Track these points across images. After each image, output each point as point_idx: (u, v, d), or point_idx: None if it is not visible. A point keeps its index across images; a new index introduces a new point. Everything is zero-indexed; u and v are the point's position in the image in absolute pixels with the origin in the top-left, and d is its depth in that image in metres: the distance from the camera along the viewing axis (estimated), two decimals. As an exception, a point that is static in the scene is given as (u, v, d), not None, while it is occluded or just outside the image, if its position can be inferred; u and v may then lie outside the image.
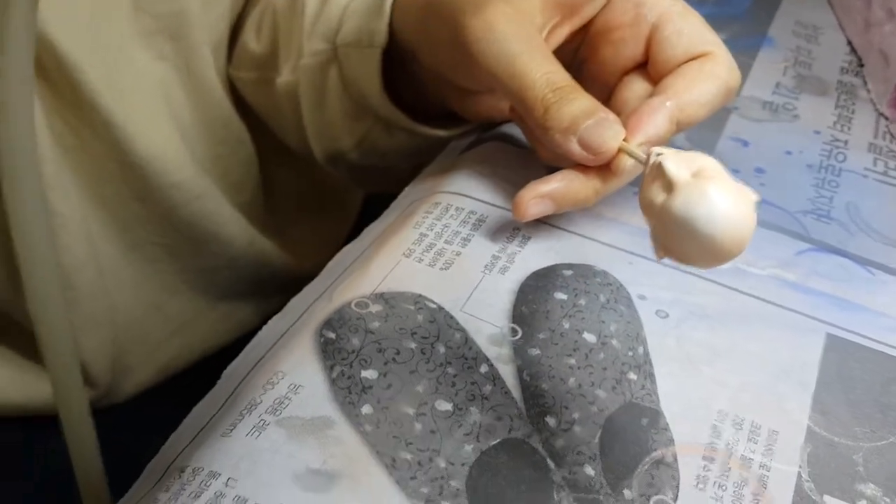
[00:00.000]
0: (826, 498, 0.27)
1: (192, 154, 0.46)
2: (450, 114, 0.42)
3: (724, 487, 0.27)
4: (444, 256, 0.33)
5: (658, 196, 0.24)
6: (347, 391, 0.28)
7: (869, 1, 0.51)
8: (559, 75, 0.32)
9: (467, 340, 0.30)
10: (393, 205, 0.38)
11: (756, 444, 0.28)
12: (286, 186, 0.57)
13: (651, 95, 0.33)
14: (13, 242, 0.42)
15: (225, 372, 0.30)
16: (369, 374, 0.28)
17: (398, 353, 0.29)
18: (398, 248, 0.33)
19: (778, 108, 0.46)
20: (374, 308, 0.31)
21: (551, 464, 0.27)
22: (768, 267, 0.35)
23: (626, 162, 0.31)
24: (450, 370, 0.29)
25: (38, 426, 0.48)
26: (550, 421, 0.28)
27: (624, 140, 0.31)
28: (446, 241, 0.34)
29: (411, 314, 0.31)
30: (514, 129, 0.41)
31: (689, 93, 0.33)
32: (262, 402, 0.27)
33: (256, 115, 0.50)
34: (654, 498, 0.26)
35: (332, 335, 0.30)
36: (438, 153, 0.42)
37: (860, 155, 0.43)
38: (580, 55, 0.37)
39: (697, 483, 0.27)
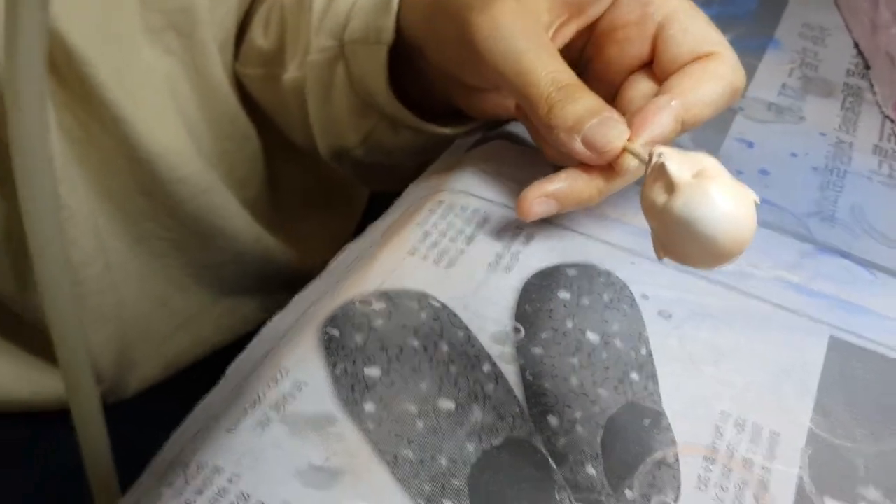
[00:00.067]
0: (827, 500, 0.27)
1: (199, 149, 0.46)
2: (455, 111, 0.42)
3: (725, 489, 0.27)
4: (448, 254, 0.33)
5: (659, 196, 0.24)
6: (350, 388, 0.28)
7: (876, 3, 0.51)
8: (564, 74, 0.32)
9: (470, 339, 0.30)
10: (397, 202, 0.39)
11: (758, 445, 0.28)
12: (292, 183, 0.58)
13: (656, 95, 0.33)
14: (19, 240, 0.42)
15: (229, 368, 0.30)
16: (372, 371, 0.29)
17: (401, 350, 0.29)
18: (402, 245, 0.34)
19: (783, 110, 0.46)
20: (378, 305, 0.31)
21: (553, 463, 0.27)
22: (772, 268, 0.35)
23: (630, 161, 0.31)
24: (452, 369, 0.29)
25: (44, 421, 0.48)
26: (552, 420, 0.28)
27: (629, 139, 0.31)
28: (450, 240, 0.34)
29: (415, 312, 0.31)
30: (519, 128, 0.41)
31: (694, 92, 0.33)
32: (265, 398, 0.28)
33: (263, 112, 0.51)
34: (656, 498, 0.27)
35: (335, 332, 0.30)
36: (444, 151, 0.42)
37: (865, 157, 0.43)
38: (586, 54, 0.38)
39: (699, 484, 0.27)
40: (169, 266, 0.50)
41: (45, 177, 0.30)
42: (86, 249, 0.43)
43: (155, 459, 0.28)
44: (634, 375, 0.30)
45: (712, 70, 0.33)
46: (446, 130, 0.42)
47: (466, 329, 0.30)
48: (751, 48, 0.51)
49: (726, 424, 0.29)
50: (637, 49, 0.35)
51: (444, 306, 0.31)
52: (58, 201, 0.32)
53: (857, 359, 0.32)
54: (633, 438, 0.28)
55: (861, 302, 0.34)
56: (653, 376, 0.30)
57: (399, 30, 0.40)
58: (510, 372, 0.29)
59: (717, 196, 0.23)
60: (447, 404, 0.28)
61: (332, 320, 0.30)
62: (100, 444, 0.37)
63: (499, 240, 0.34)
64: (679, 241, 0.24)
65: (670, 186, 0.24)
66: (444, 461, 0.26)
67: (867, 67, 0.51)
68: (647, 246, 0.34)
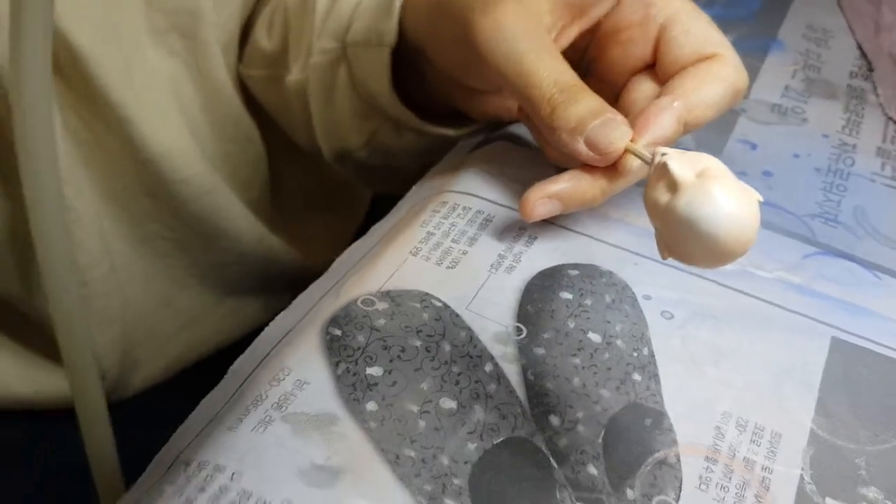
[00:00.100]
0: (828, 501, 0.27)
1: (203, 150, 0.47)
2: (458, 113, 0.42)
3: (726, 489, 0.27)
4: (450, 255, 0.33)
5: (662, 196, 0.24)
6: (352, 388, 0.28)
7: (880, 5, 0.51)
8: (567, 75, 0.32)
9: (472, 339, 0.30)
10: (400, 203, 0.39)
11: (759, 446, 0.28)
12: (295, 184, 0.58)
13: (658, 96, 0.33)
14: (24, 240, 0.42)
15: (232, 367, 0.30)
16: (374, 371, 0.29)
17: (403, 350, 0.29)
18: (405, 246, 0.34)
19: (786, 112, 0.46)
20: (381, 306, 0.31)
21: (554, 463, 0.27)
22: (775, 270, 0.35)
23: (633, 162, 0.31)
24: (454, 368, 0.29)
25: (45, 420, 0.48)
26: (554, 420, 0.28)
27: (631, 140, 0.31)
28: (453, 240, 0.34)
29: (417, 312, 0.31)
30: (521, 129, 0.41)
31: (696, 93, 0.33)
32: (267, 397, 0.28)
33: (266, 113, 0.51)
34: (657, 498, 0.27)
35: (338, 332, 0.30)
36: (446, 153, 0.42)
37: (868, 159, 0.43)
38: (589, 55, 0.38)
39: (700, 484, 0.27)
40: (173, 266, 0.50)
41: (51, 177, 0.30)
42: (91, 251, 0.43)
43: (157, 457, 0.28)
44: (636, 376, 0.30)
45: (714, 71, 0.33)
46: (449, 132, 0.42)
47: (468, 329, 0.31)
48: (754, 49, 0.51)
49: (728, 425, 0.29)
50: (639, 50, 0.35)
51: (446, 306, 0.31)
52: (63, 201, 0.32)
53: (860, 360, 0.32)
54: (635, 438, 0.28)
55: (864, 303, 0.34)
56: (655, 376, 0.30)
57: (401, 32, 0.40)
58: (512, 372, 0.29)
59: (720, 195, 0.23)
60: (449, 404, 0.28)
61: (335, 320, 0.30)
62: (105, 442, 0.37)
63: (501, 241, 0.34)
64: (682, 240, 0.24)
65: (673, 186, 0.24)
66: (445, 460, 0.26)
67: (870, 69, 0.51)
68: (650, 247, 0.34)
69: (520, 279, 0.33)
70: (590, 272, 0.34)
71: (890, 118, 0.47)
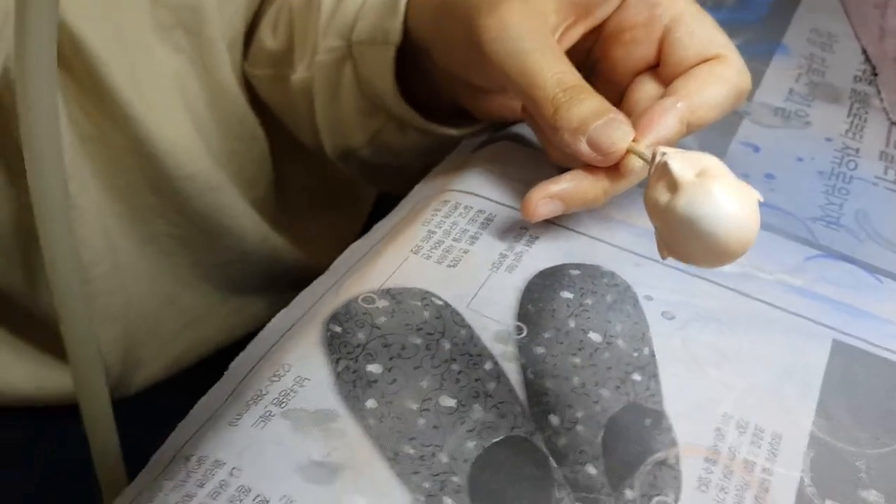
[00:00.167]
0: (828, 503, 0.27)
1: (208, 147, 0.47)
2: (462, 112, 0.42)
3: (726, 490, 0.27)
4: (451, 254, 0.33)
5: (662, 196, 0.24)
6: (352, 385, 0.28)
7: (884, 10, 0.51)
8: (570, 75, 0.32)
9: (473, 337, 0.30)
10: (403, 202, 0.39)
11: (759, 447, 0.28)
12: (299, 183, 0.58)
13: (662, 97, 0.33)
14: (28, 232, 0.42)
15: (232, 363, 0.30)
16: (374, 368, 0.29)
17: (403, 348, 0.29)
18: (406, 244, 0.34)
19: (790, 115, 0.46)
20: (381, 303, 0.31)
21: (553, 462, 0.27)
22: (776, 272, 0.35)
23: (635, 163, 0.31)
24: (454, 367, 0.29)
25: (47, 418, 0.48)
26: (553, 419, 0.28)
27: (633, 141, 0.31)
28: (454, 239, 0.34)
29: (417, 310, 0.31)
30: (525, 130, 0.41)
31: (699, 95, 0.33)
32: (268, 393, 0.28)
33: (271, 112, 0.51)
34: (656, 499, 0.26)
35: (338, 329, 0.30)
36: (450, 152, 0.42)
37: (871, 163, 0.43)
38: (593, 55, 0.38)
39: (699, 485, 0.27)
40: (177, 265, 0.50)
41: (55, 168, 0.30)
42: (95, 249, 0.43)
43: (158, 453, 0.28)
44: (636, 376, 0.30)
45: (718, 73, 0.33)
46: (453, 131, 0.42)
47: (469, 327, 0.31)
48: (759, 53, 0.51)
49: (728, 426, 0.29)
50: (643, 51, 0.35)
51: (446, 304, 0.31)
52: (66, 193, 0.32)
53: (861, 363, 0.32)
54: (635, 438, 0.28)
55: (865, 306, 0.34)
56: (655, 377, 0.30)
57: (406, 31, 0.40)
58: (512, 370, 0.29)
59: (720, 195, 0.23)
60: (448, 402, 0.28)
61: (336, 317, 0.30)
62: (108, 435, 0.37)
63: (503, 240, 0.34)
64: (682, 239, 0.24)
65: (673, 185, 0.24)
66: (444, 458, 0.26)
67: (875, 74, 0.51)
68: (652, 248, 0.34)
69: (521, 278, 0.33)
70: (591, 272, 0.34)
71: (893, 122, 0.47)
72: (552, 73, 0.32)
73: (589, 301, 0.32)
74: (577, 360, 0.30)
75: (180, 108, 0.45)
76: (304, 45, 0.46)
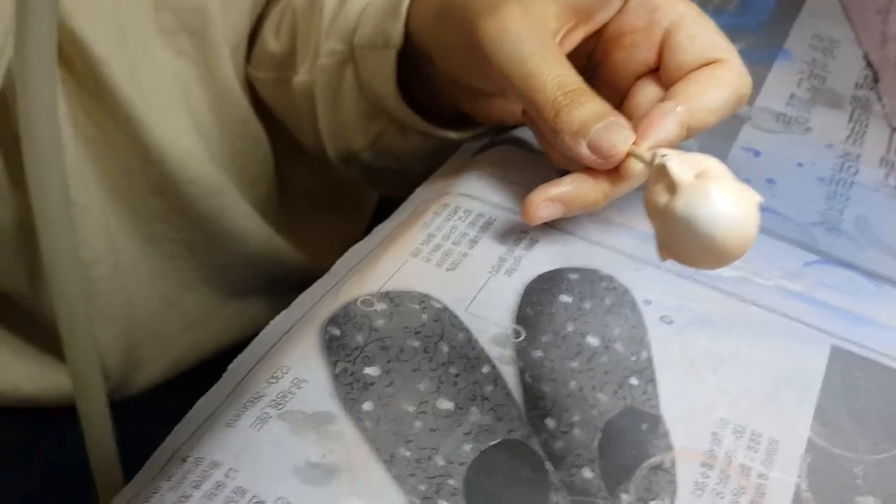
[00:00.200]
0: (824, 508, 0.27)
1: (210, 150, 0.47)
2: (463, 116, 0.42)
3: (721, 495, 0.27)
4: (451, 257, 0.33)
5: (661, 197, 0.24)
6: (350, 387, 0.28)
7: (886, 16, 0.51)
8: (570, 78, 0.32)
9: (470, 340, 0.30)
10: (403, 205, 0.39)
11: (756, 452, 0.28)
12: (301, 185, 0.58)
13: (662, 100, 0.33)
14: (29, 230, 0.42)
15: (231, 364, 0.30)
16: (372, 371, 0.29)
17: (401, 351, 0.29)
18: (406, 247, 0.34)
19: (791, 120, 0.46)
20: (380, 306, 0.31)
21: (549, 465, 0.27)
22: (775, 277, 0.35)
23: (636, 166, 0.31)
24: (452, 370, 0.29)
25: (46, 418, 0.48)
26: (550, 423, 0.28)
27: (634, 144, 0.31)
28: (454, 242, 0.34)
29: (416, 313, 0.31)
30: (526, 133, 0.41)
31: (699, 98, 0.33)
32: (265, 395, 0.28)
33: (273, 115, 0.51)
34: (651, 503, 0.26)
35: (336, 332, 0.30)
36: (451, 156, 0.42)
37: (872, 169, 0.43)
38: (594, 59, 0.38)
39: (695, 489, 0.27)
40: (179, 267, 0.50)
41: (55, 166, 0.30)
42: (96, 248, 0.43)
43: (156, 453, 0.28)
44: (634, 380, 0.30)
45: (718, 76, 0.33)
46: (454, 135, 0.43)
47: (467, 331, 0.31)
48: (761, 58, 0.51)
49: (725, 431, 0.29)
50: (644, 55, 0.35)
51: (445, 308, 0.31)
52: (67, 192, 0.32)
53: (859, 369, 0.32)
54: (631, 443, 0.28)
55: (864, 312, 0.34)
56: (652, 381, 0.30)
57: (408, 35, 0.40)
58: (509, 374, 0.29)
59: (718, 196, 0.23)
60: (446, 404, 0.28)
61: (334, 320, 0.30)
62: (105, 437, 0.37)
63: (502, 243, 0.34)
64: (680, 241, 0.24)
65: (672, 187, 0.24)
66: (440, 461, 0.27)
67: (876, 79, 0.51)
68: (651, 251, 0.34)
69: (520, 282, 0.33)
70: (590, 276, 0.34)
71: (895, 128, 0.47)
72: (553, 76, 0.32)
73: (587, 305, 0.32)
74: (574, 363, 0.30)
75: (182, 111, 0.45)
76: (307, 48, 0.46)
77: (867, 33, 0.54)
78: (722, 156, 0.42)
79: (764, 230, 0.37)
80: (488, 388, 0.29)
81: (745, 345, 0.32)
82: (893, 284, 0.36)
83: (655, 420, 0.29)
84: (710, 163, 0.24)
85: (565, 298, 0.32)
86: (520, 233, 0.35)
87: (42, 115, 0.28)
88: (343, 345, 0.29)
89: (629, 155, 0.31)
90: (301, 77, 0.46)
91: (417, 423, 0.27)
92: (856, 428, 0.30)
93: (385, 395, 0.28)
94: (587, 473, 0.27)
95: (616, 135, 0.31)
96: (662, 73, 0.35)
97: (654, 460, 0.28)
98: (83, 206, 0.42)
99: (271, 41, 0.48)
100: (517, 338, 0.31)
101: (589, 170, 0.33)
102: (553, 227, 0.35)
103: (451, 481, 0.26)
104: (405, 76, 0.41)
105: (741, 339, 0.32)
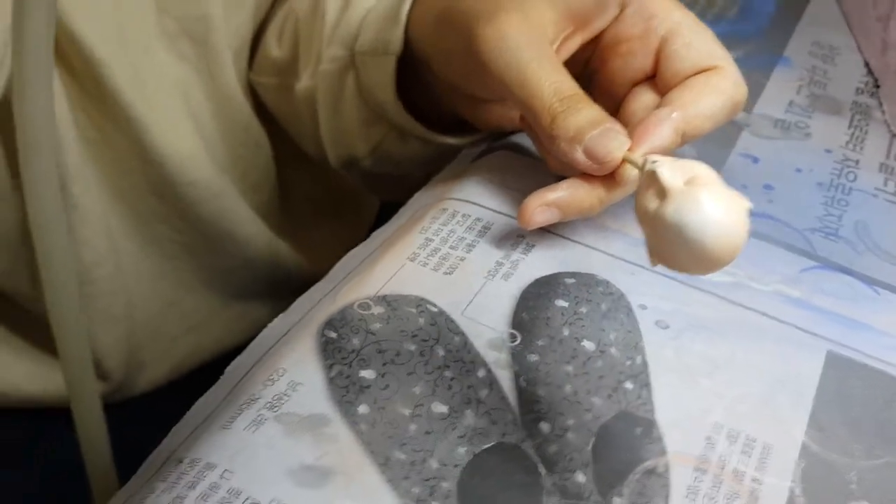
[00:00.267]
0: (818, 513, 0.27)
1: (212, 154, 0.47)
2: (462, 122, 0.42)
3: (714, 500, 0.27)
4: (448, 261, 0.34)
5: (651, 203, 0.24)
6: (345, 390, 0.28)
7: (887, 23, 0.51)
8: (567, 85, 0.33)
9: (466, 344, 0.30)
10: (402, 210, 0.39)
11: (749, 457, 0.28)
12: (303, 190, 0.58)
13: (657, 107, 0.34)
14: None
15: (229, 367, 0.31)
16: (367, 374, 0.29)
17: (398, 354, 0.30)
18: (403, 251, 0.34)
19: (790, 127, 0.46)
20: (376, 310, 0.31)
21: (542, 469, 0.27)
22: (772, 282, 0.35)
23: (631, 172, 0.32)
24: (447, 373, 0.29)
25: (46, 419, 0.49)
26: (544, 427, 0.28)
27: (629, 150, 0.32)
28: (451, 247, 0.34)
29: (412, 317, 0.31)
30: (524, 139, 0.41)
31: (695, 105, 0.33)
32: (261, 397, 0.28)
33: (275, 121, 0.51)
34: (645, 507, 0.27)
35: (333, 335, 0.30)
36: (450, 161, 0.43)
37: (871, 175, 0.43)
38: (590, 66, 0.38)
39: (688, 494, 0.27)
40: (180, 269, 0.51)
41: (49, 164, 0.30)
42: (98, 250, 0.44)
43: (152, 454, 0.28)
44: (629, 384, 0.30)
45: (714, 84, 0.34)
46: (453, 141, 0.43)
47: (463, 335, 0.31)
48: (760, 65, 0.51)
49: (719, 435, 0.29)
50: (640, 62, 0.36)
51: (441, 312, 0.31)
52: (59, 196, 0.32)
53: (856, 374, 0.32)
54: (624, 447, 0.28)
55: (862, 318, 0.34)
56: (647, 386, 0.30)
57: (407, 42, 0.40)
58: (504, 378, 0.30)
59: (708, 202, 0.23)
60: (440, 408, 0.28)
61: (331, 323, 0.30)
62: (99, 440, 0.38)
63: (499, 248, 0.35)
64: (670, 246, 0.24)
65: (662, 193, 0.24)
66: (434, 464, 0.27)
67: (877, 86, 0.51)
68: (647, 257, 0.34)
69: (516, 286, 0.33)
70: (586, 281, 0.34)
71: (895, 134, 0.47)
72: (549, 82, 0.33)
73: (583, 309, 0.32)
74: (569, 368, 0.30)
75: (184, 115, 0.45)
76: (309, 55, 0.46)
77: (868, 41, 0.54)
78: (720, 162, 0.42)
79: (762, 236, 0.38)
80: (483, 392, 0.29)
81: (741, 350, 0.32)
82: (892, 290, 0.36)
83: (650, 424, 0.29)
84: (700, 169, 0.25)
85: (561, 303, 0.33)
86: (517, 237, 0.35)
87: (38, 117, 0.29)
88: (339, 348, 0.30)
89: (624, 161, 0.31)
90: (303, 83, 0.46)
91: (412, 426, 0.28)
92: (850, 433, 0.30)
93: (380, 399, 0.28)
94: (580, 477, 0.27)
95: (611, 141, 0.31)
96: (659, 80, 0.35)
97: (647, 464, 0.28)
98: (84, 209, 0.42)
99: (274, 47, 0.48)
100: (513, 342, 0.31)
101: (585, 175, 0.33)
102: (550, 231, 0.36)
103: (444, 484, 0.26)
104: (405, 83, 0.41)
105: (737, 343, 0.32)
